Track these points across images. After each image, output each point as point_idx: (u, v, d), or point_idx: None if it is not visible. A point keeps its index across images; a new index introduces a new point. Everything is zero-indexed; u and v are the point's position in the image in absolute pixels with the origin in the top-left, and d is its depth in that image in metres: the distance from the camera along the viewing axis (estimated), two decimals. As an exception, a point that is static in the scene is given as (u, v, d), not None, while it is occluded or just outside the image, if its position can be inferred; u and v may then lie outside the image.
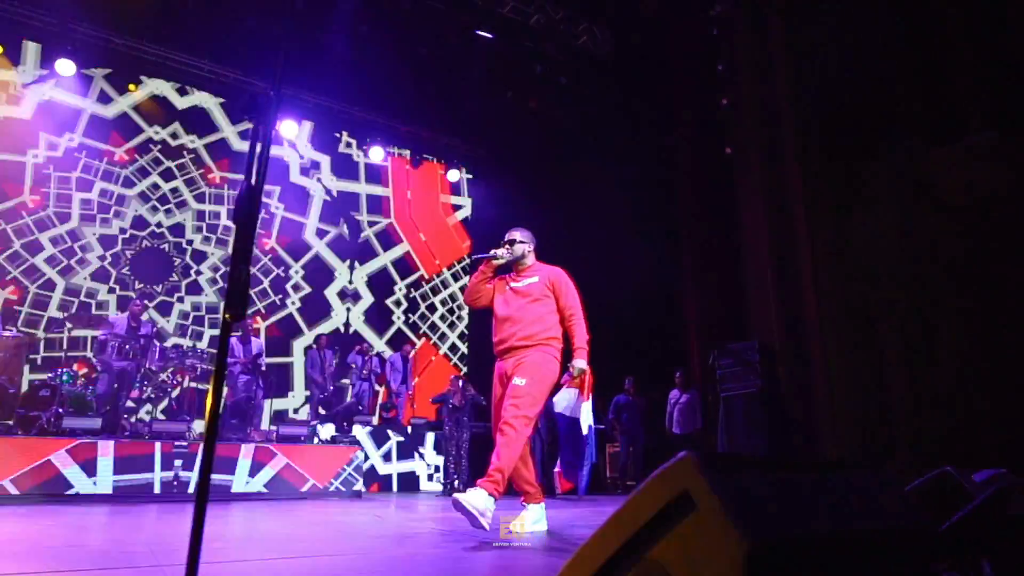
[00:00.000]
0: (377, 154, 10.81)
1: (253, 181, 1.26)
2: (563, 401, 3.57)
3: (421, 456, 8.09)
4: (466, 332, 11.44)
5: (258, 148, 1.29)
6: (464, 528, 3.14)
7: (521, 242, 3.67)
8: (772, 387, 6.85)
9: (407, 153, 11.38)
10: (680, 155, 9.90)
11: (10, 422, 5.71)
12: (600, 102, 10.45)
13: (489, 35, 9.60)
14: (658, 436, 8.49)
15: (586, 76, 10.43)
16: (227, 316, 1.18)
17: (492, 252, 3.61)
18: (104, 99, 8.99)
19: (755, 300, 8.48)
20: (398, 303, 10.89)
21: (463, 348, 11.35)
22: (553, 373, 3.42)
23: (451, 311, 11.39)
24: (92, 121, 8.86)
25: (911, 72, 7.39)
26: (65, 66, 8.21)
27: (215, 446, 1.20)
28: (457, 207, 12.00)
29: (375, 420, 8.68)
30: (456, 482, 7.30)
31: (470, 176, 12.08)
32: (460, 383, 7.72)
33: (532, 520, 3.44)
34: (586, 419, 3.65)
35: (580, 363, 3.46)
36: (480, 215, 12.02)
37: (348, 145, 10.99)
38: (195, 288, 9.16)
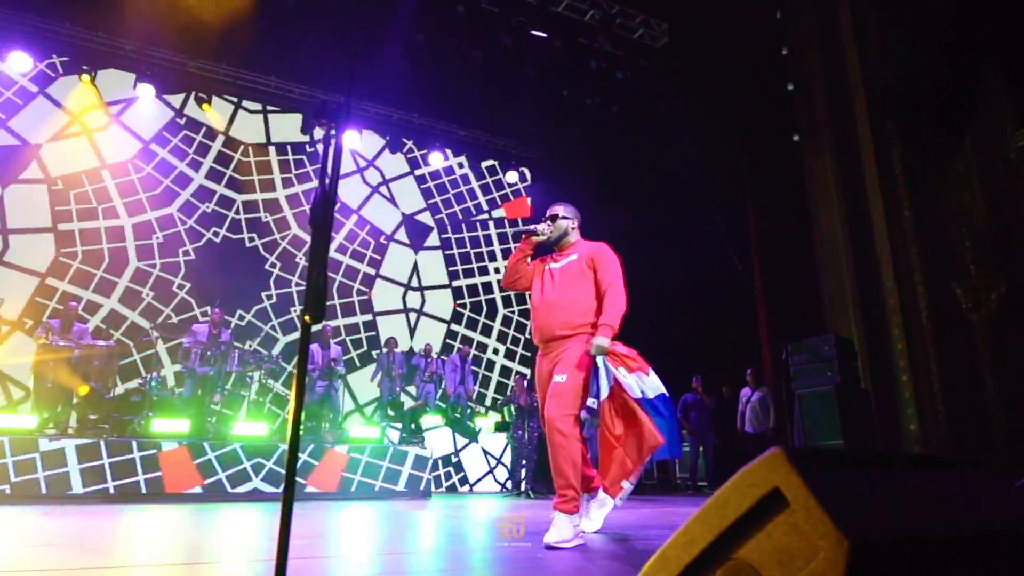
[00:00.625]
0: (436, 159, 10.97)
1: (327, 186, 1.29)
2: (628, 381, 2.87)
3: (487, 457, 8.15)
4: (528, 334, 11.45)
5: (331, 154, 1.32)
6: (540, 529, 3.13)
7: (564, 217, 3.28)
8: (851, 384, 6.54)
9: (464, 157, 11.51)
10: (745, 145, 9.60)
11: (106, 425, 6.10)
12: (659, 95, 10.26)
13: (544, 34, 9.59)
14: (729, 436, 8.25)
15: (644, 69, 10.27)
16: (306, 319, 1.21)
17: (533, 227, 3.27)
18: (178, 118, 9.47)
19: (830, 292, 8.13)
20: (464, 306, 11.00)
21: (522, 351, 11.37)
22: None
23: (513, 312, 11.43)
24: (173, 140, 9.36)
25: (994, 49, 6.92)
26: (145, 90, 8.74)
27: (298, 446, 1.23)
28: (514, 209, 12.03)
29: (441, 421, 8.79)
30: (523, 484, 7.30)
31: (529, 182, 12.09)
32: (525, 383, 7.73)
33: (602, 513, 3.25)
34: (658, 387, 3.04)
35: (599, 340, 2.95)
36: (540, 215, 12.00)
37: (409, 151, 11.19)
38: (276, 294, 9.53)
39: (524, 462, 7.43)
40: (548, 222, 3.28)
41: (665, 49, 10.17)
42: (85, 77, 8.60)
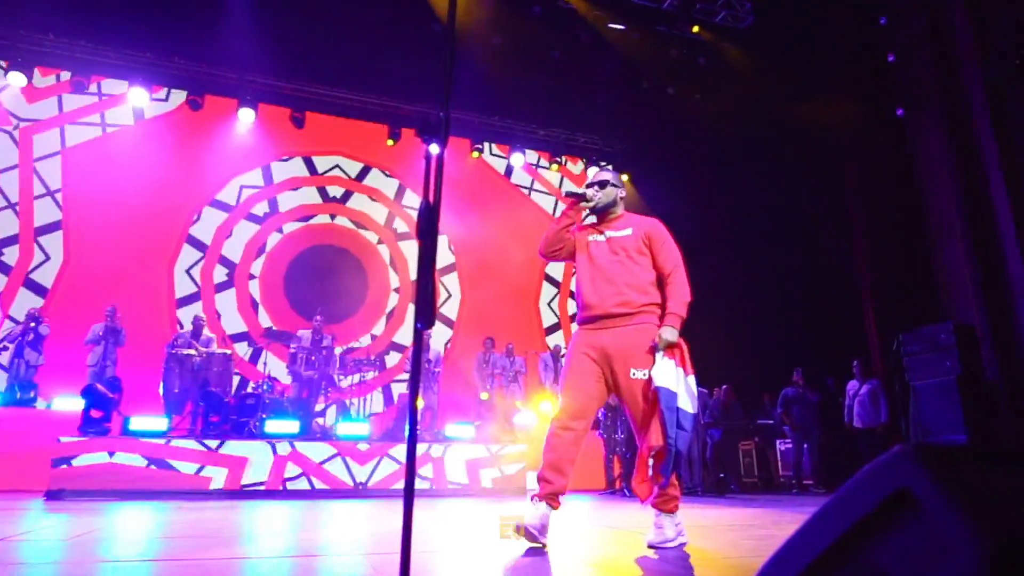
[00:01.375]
0: (518, 160, 11.07)
1: (431, 198, 1.35)
2: (666, 375, 2.59)
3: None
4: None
5: (433, 166, 1.37)
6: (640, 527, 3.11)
7: (613, 185, 3.02)
8: (973, 374, 6.04)
9: (546, 156, 11.55)
10: (843, 123, 9.06)
11: (226, 427, 6.59)
12: (746, 79, 9.87)
13: (621, 27, 9.46)
14: (835, 431, 7.82)
15: (727, 53, 9.92)
16: (418, 325, 1.27)
17: (582, 191, 3.00)
18: (279, 140, 10.08)
19: (947, 276, 7.54)
20: (547, 302, 11.06)
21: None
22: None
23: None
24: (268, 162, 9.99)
25: None
26: (246, 114, 9.39)
27: (416, 445, 1.30)
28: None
29: (531, 419, 8.86)
30: (616, 482, 7.25)
31: (609, 170, 11.96)
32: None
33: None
34: (690, 399, 2.61)
35: (668, 332, 2.70)
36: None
37: (490, 154, 11.36)
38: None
39: (617, 458, 7.36)
40: (596, 187, 3.00)
41: (750, 30, 9.77)
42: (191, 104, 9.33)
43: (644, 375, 2.67)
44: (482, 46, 9.44)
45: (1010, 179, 6.91)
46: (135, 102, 9.14)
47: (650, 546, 2.65)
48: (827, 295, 9.13)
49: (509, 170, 11.37)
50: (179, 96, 9.49)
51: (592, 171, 11.46)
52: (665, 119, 10.55)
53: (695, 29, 9.57)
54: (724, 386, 8.02)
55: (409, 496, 1.27)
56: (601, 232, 2.97)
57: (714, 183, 10.28)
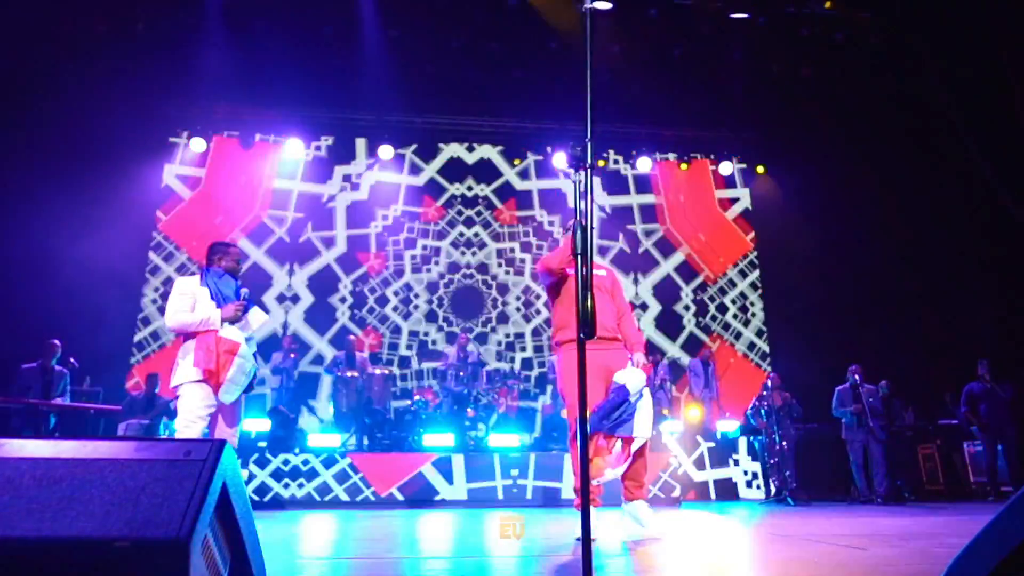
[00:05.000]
0: (645, 164, 10.95)
1: (584, 221, 1.45)
2: (635, 381, 3.35)
3: (736, 463, 7.82)
4: (763, 328, 10.79)
5: (580, 191, 1.48)
6: (789, 533, 2.99)
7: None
8: None
9: (673, 156, 11.32)
10: (1013, 82, 8.02)
11: (387, 441, 7.13)
12: (888, 49, 9.07)
13: (745, 15, 9.10)
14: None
15: (866, 24, 9.17)
16: (581, 336, 1.38)
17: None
18: (414, 171, 10.79)
19: None
20: (687, 307, 10.78)
21: (761, 345, 10.72)
22: None
23: (743, 308, 10.88)
24: (408, 191, 10.70)
25: None
26: (385, 151, 10.14)
27: (588, 455, 1.39)
28: (734, 200, 11.48)
29: (679, 426, 8.66)
30: (783, 489, 6.87)
31: (743, 166, 11.47)
32: (771, 382, 7.29)
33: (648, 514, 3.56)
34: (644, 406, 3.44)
35: (640, 357, 3.57)
36: (760, 204, 11.32)
37: (615, 162, 11.34)
38: (503, 317, 10.32)
39: (779, 465, 6.98)
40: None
41: (889, -6, 8.97)
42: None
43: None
44: (601, 55, 9.49)
45: None
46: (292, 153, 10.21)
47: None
48: (1011, 276, 8.09)
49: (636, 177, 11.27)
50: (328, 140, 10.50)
51: (725, 167, 11.09)
52: (801, 104, 9.95)
53: (828, 4, 8.96)
54: (883, 381, 7.36)
55: (586, 502, 1.37)
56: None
57: (856, 168, 9.53)
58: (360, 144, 10.73)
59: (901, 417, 8.14)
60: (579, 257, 1.43)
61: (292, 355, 8.10)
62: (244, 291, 3.45)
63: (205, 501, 1.33)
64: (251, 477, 6.23)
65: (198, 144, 9.81)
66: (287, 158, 10.28)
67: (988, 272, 8.36)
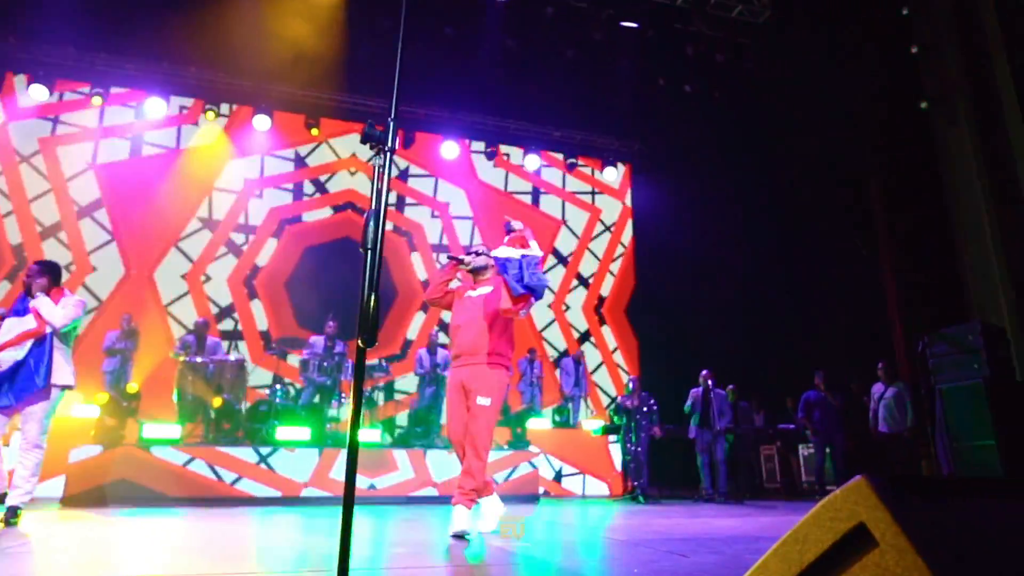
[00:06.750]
0: (532, 162, 11.00)
1: (379, 208, 1.29)
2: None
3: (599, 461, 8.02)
4: (635, 330, 11.19)
5: (377, 175, 1.32)
6: (649, 531, 3.02)
7: (485, 255, 3.85)
8: (1003, 376, 5.79)
9: (560, 157, 11.46)
10: (865, 118, 8.81)
11: (239, 434, 6.63)
12: (764, 75, 9.67)
13: (635, 24, 9.34)
14: (859, 435, 7.59)
15: (745, 49, 9.73)
16: (359, 343, 1.21)
17: (460, 257, 3.86)
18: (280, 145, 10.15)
19: (973, 275, 7.27)
20: (564, 306, 10.95)
21: (632, 347, 11.11)
22: (505, 386, 3.64)
23: (617, 309, 11.22)
24: (282, 166, 10.06)
25: None
26: (262, 120, 9.48)
27: (357, 453, 1.24)
28: (614, 205, 11.81)
29: (548, 424, 8.77)
30: (635, 487, 7.12)
31: (624, 169, 11.84)
32: (632, 385, 7.53)
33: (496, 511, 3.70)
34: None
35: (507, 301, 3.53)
36: (642, 212, 11.73)
37: (505, 157, 11.31)
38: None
39: (634, 466, 7.23)
40: (473, 255, 3.85)
41: (768, 24, 9.57)
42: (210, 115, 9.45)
43: (486, 402, 3.47)
44: (494, 48, 9.40)
45: (1041, 173, 6.64)
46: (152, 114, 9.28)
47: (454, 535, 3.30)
48: (850, 296, 8.89)
49: (523, 172, 11.29)
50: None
51: (609, 172, 11.36)
52: (683, 117, 10.39)
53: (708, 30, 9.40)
54: (731, 385, 7.84)
55: (349, 500, 1.22)
56: (473, 289, 3.81)
57: (732, 181, 10.10)
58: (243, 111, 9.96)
59: (750, 420, 8.72)
60: (368, 252, 1.26)
61: (134, 334, 7.33)
62: None
63: None
64: (74, 472, 5.56)
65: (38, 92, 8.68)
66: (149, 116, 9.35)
67: (833, 292, 9.12)
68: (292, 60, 8.90)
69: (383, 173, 1.31)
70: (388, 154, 1.31)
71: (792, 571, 0.92)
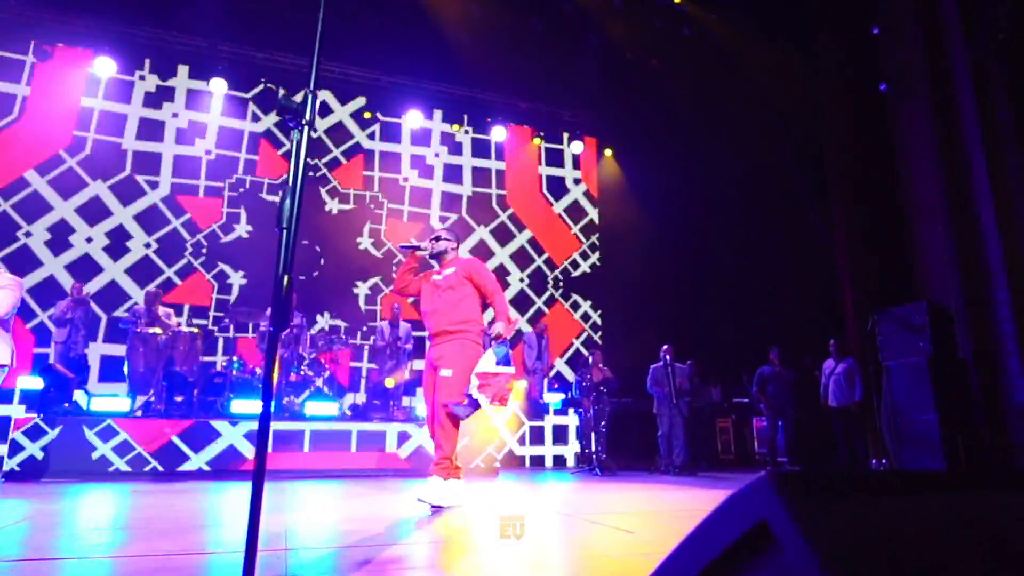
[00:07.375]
0: (499, 133, 10.85)
1: (295, 184, 1.22)
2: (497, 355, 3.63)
3: (560, 435, 8.10)
4: (596, 305, 11.26)
5: (296, 150, 1.25)
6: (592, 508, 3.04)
7: (445, 239, 3.97)
8: (946, 354, 5.99)
9: (528, 129, 11.33)
10: (825, 97, 8.89)
11: (191, 406, 6.49)
12: (729, 50, 9.66)
13: (602, -6, 9.21)
14: (810, 410, 7.82)
15: (711, 24, 9.69)
16: (270, 328, 1.16)
17: (417, 243, 3.94)
18: (254, 118, 9.80)
19: (923, 254, 7.47)
20: (528, 282, 10.94)
21: (596, 318, 11.19)
22: (475, 356, 3.68)
23: (581, 284, 11.26)
24: (250, 137, 9.73)
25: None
26: (218, 84, 9.13)
27: (268, 428, 1.19)
28: (578, 180, 11.76)
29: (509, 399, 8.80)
30: (593, 459, 7.22)
31: (590, 144, 11.77)
32: (592, 359, 7.59)
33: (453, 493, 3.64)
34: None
35: (499, 326, 3.64)
36: (605, 185, 11.72)
37: (471, 127, 11.12)
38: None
39: (594, 438, 7.33)
40: (432, 241, 3.97)
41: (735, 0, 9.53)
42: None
43: (448, 373, 3.60)
44: (460, 17, 9.17)
45: (991, 158, 6.80)
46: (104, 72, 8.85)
47: (418, 499, 3.44)
48: (805, 273, 9.06)
49: (488, 144, 11.14)
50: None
51: (576, 145, 11.29)
52: (649, 92, 10.35)
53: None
54: (689, 361, 7.97)
55: (259, 476, 1.18)
56: (438, 274, 3.92)
57: (695, 157, 10.14)
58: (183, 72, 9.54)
59: (708, 394, 8.90)
60: (284, 231, 1.20)
61: (84, 304, 7.07)
62: None
63: None
64: (17, 447, 5.39)
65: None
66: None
67: (789, 270, 9.28)
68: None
69: (300, 148, 1.24)
70: (306, 128, 1.24)
71: (701, 565, 0.91)
